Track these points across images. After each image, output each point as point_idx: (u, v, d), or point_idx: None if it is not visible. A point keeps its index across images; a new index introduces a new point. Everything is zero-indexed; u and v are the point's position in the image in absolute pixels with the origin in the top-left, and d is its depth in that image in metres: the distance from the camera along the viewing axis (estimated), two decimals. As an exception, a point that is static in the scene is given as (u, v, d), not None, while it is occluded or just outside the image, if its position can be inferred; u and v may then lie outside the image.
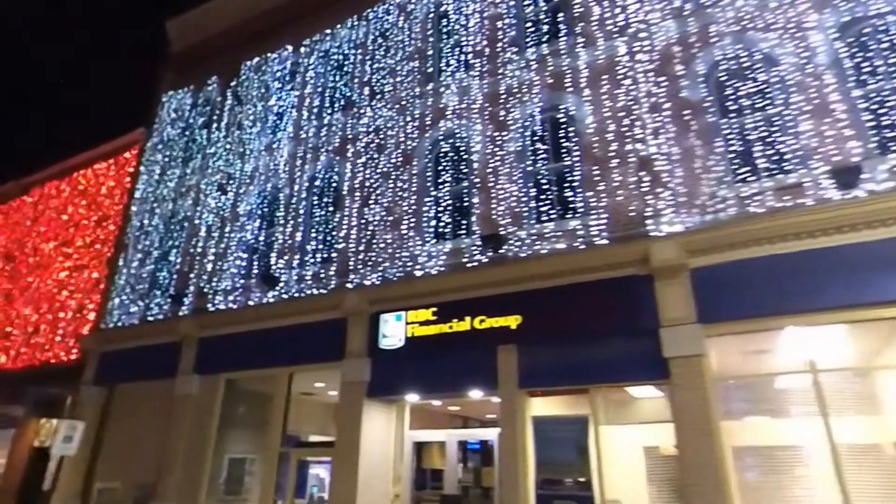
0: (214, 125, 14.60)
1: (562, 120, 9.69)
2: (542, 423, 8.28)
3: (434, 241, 10.10)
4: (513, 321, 8.57)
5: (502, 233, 9.28)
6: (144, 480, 11.57)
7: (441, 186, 10.53)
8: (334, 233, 11.28)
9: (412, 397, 9.72)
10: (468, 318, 8.95)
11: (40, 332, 15.19)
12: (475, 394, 9.12)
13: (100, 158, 16.96)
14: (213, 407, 11.38)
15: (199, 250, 13.13)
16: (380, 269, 10.27)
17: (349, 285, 10.41)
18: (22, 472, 13.61)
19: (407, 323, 9.47)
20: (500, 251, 9.20)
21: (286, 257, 11.66)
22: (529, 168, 9.69)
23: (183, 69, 16.44)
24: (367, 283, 10.25)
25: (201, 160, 14.39)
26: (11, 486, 13.63)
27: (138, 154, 15.92)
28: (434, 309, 9.31)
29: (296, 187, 12.32)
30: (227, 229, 12.92)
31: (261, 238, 12.53)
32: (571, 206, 9.04)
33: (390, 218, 10.60)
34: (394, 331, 9.53)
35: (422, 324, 9.35)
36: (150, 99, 16.99)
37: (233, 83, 14.85)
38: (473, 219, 9.75)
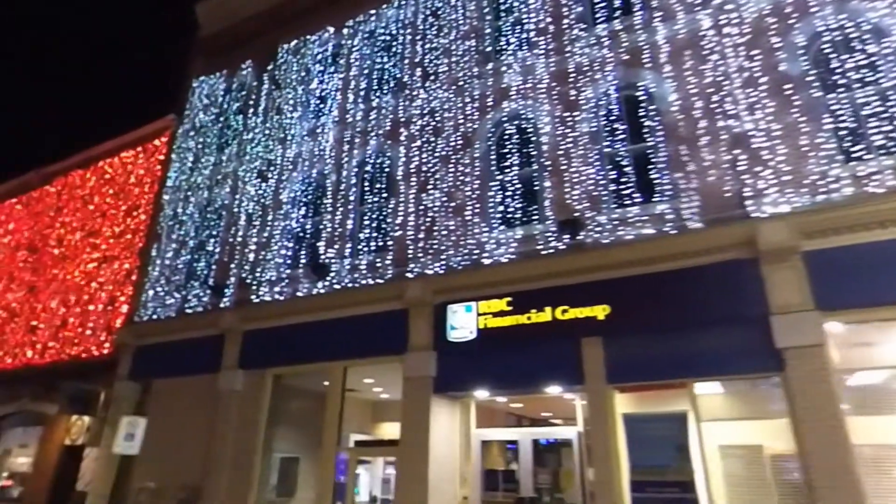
0: (251, 110, 14.00)
1: (640, 98, 9.11)
2: (635, 420, 7.70)
3: (502, 227, 9.51)
4: (600, 311, 7.99)
5: (580, 218, 8.70)
6: (187, 481, 10.99)
7: (507, 170, 9.93)
8: (389, 220, 10.69)
9: (481, 393, 9.13)
10: (548, 309, 8.37)
11: (69, 325, 14.59)
12: (553, 389, 8.56)
13: (127, 146, 16.35)
14: (260, 403, 10.81)
15: (239, 240, 12.54)
16: (443, 257, 9.68)
17: (409, 275, 9.82)
18: (52, 473, 13.01)
19: (478, 314, 8.89)
20: (579, 237, 8.62)
21: (336, 246, 11.07)
22: (607, 149, 9.11)
23: (214, 54, 15.84)
24: (430, 272, 9.66)
25: (238, 147, 13.80)
26: (41, 486, 13.04)
27: (169, 141, 15.32)
28: (508, 299, 8.73)
29: (343, 173, 11.72)
30: (270, 218, 12.32)
31: (307, 226, 11.94)
32: (657, 188, 8.44)
33: (452, 204, 10.01)
34: (464, 322, 8.95)
35: (495, 315, 8.76)
36: (178, 85, 16.40)
37: (269, 67, 14.25)
38: (546, 204, 9.17)
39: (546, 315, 8.36)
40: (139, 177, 15.47)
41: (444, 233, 9.85)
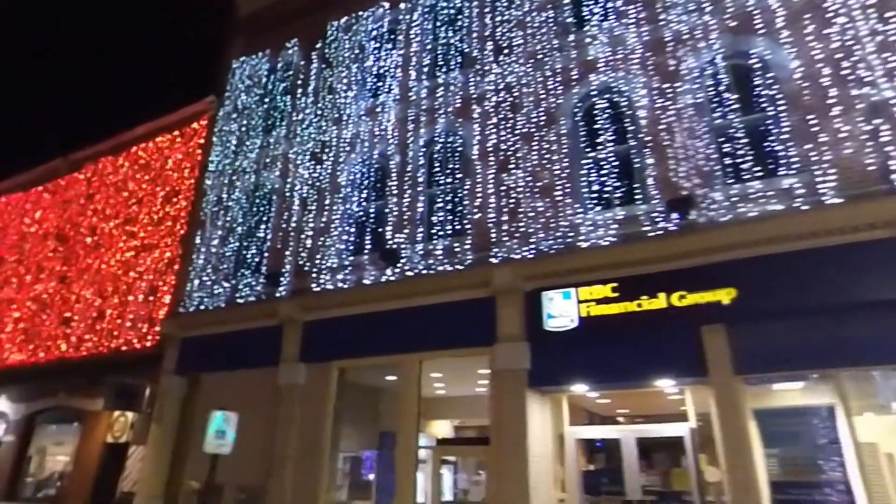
0: (299, 91, 13.25)
1: (754, 66, 8.39)
2: (770, 415, 7.00)
3: (598, 208, 8.80)
4: (725, 295, 7.27)
5: (691, 196, 7.98)
6: (245, 481, 10.29)
7: (599, 147, 9.21)
8: (465, 202, 9.97)
9: (579, 388, 8.42)
10: (662, 295, 7.65)
11: (106, 317, 13.84)
12: (665, 382, 7.86)
13: (162, 131, 15.59)
14: (325, 398, 10.06)
15: (293, 225, 11.80)
16: (532, 240, 8.96)
17: (494, 260, 9.11)
18: (94, 472, 12.28)
19: (579, 301, 8.17)
20: (690, 217, 7.91)
21: (406, 231, 10.34)
22: (717, 121, 8.39)
23: (254, 34, 15.08)
24: (517, 256, 8.94)
25: (287, 128, 13.05)
26: (82, 486, 12.30)
27: (209, 124, 14.57)
28: (614, 284, 8.02)
29: (409, 153, 10.99)
30: (328, 202, 11.58)
31: (370, 210, 11.19)
32: (783, 161, 7.73)
33: (538, 184, 9.29)
34: (563, 310, 8.23)
35: (599, 302, 8.05)
36: (215, 66, 15.67)
37: (318, 45, 13.49)
38: (648, 182, 8.45)
39: (660, 301, 7.65)
40: (177, 161, 14.72)
41: (532, 215, 9.13)
